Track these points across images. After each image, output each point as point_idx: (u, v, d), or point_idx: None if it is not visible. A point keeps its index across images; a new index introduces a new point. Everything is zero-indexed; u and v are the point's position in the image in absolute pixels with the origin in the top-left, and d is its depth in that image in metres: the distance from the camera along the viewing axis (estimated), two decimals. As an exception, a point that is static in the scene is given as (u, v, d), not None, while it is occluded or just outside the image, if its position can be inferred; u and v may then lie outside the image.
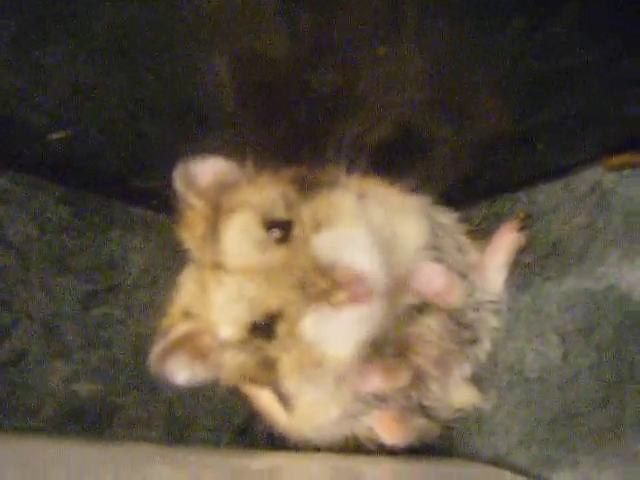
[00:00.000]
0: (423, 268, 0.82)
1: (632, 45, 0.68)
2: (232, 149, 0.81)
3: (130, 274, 1.04)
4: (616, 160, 0.86)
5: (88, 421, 0.97)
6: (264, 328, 0.68)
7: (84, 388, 0.97)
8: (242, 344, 0.70)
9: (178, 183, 0.78)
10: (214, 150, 0.79)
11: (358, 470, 0.79)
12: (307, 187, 0.75)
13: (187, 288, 0.78)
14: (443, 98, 0.79)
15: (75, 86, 0.76)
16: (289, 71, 0.73)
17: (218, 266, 0.70)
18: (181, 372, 0.75)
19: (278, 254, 0.67)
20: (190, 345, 0.74)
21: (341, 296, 0.62)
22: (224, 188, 0.79)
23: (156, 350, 0.73)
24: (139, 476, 0.62)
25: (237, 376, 0.76)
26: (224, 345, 0.71)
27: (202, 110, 0.80)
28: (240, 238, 0.69)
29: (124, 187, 1.00)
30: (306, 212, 0.70)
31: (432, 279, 0.82)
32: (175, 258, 1.00)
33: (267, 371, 0.70)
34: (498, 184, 1.01)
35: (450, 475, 0.87)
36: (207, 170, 0.79)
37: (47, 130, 0.84)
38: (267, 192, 0.75)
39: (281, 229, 0.69)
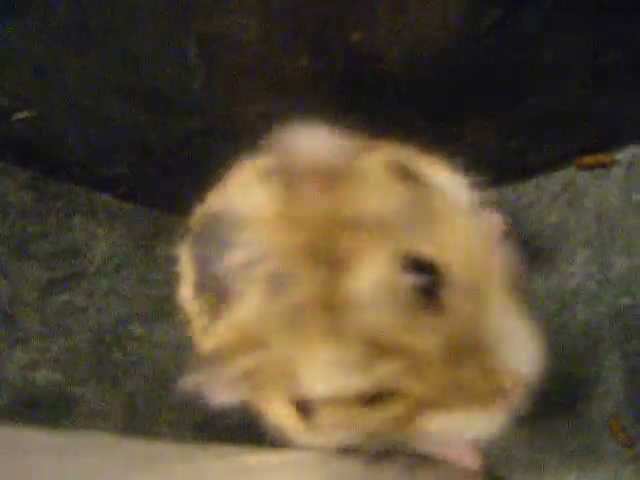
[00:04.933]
0: None
1: (607, 42, 0.68)
2: (199, 135, 0.80)
3: (92, 262, 1.02)
4: (588, 160, 0.86)
5: (45, 411, 0.95)
6: (369, 400, 0.50)
7: (42, 377, 0.95)
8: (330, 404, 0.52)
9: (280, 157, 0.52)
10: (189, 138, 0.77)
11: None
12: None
13: (253, 301, 0.52)
14: (416, 89, 0.78)
15: (38, 65, 0.74)
16: (261, 55, 0.72)
17: (332, 309, 0.48)
18: (224, 397, 0.54)
19: (425, 327, 0.47)
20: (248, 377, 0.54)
21: (501, 404, 0.49)
22: (331, 180, 0.52)
23: (202, 379, 0.52)
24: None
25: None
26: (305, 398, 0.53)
27: (170, 94, 0.79)
28: (375, 297, 0.47)
29: (89, 173, 0.98)
30: (450, 253, 0.50)
31: None
32: (139, 247, 0.99)
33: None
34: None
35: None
36: (314, 150, 0.51)
37: (10, 112, 0.82)
38: (398, 199, 0.52)
39: (425, 275, 0.48)
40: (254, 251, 0.51)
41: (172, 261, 1.00)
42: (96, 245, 1.03)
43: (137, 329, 1.00)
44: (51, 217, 0.99)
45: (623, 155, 0.85)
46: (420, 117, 0.82)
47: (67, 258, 1.00)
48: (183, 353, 0.99)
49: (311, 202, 0.50)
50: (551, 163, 0.91)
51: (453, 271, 0.48)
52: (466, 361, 0.47)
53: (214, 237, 0.57)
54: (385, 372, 0.47)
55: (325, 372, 0.49)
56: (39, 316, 0.96)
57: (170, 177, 0.92)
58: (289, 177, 0.51)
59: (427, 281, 0.47)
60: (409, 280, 0.47)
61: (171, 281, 0.99)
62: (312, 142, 0.51)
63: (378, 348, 0.47)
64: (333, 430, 0.58)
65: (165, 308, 0.99)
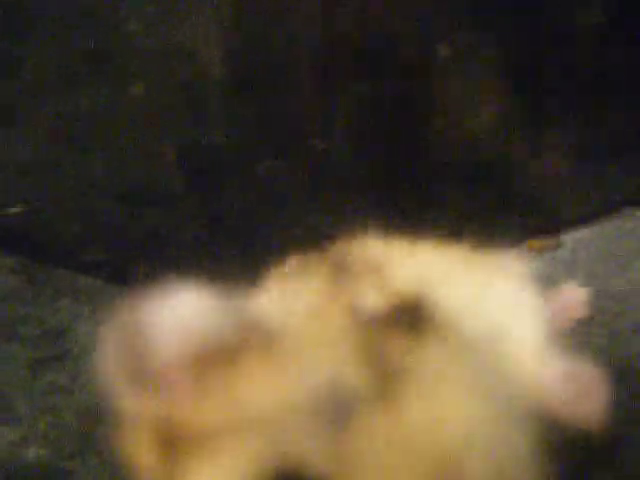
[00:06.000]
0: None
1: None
2: (183, 234, 0.84)
3: (77, 342, 1.05)
4: (536, 243, 0.91)
5: (35, 486, 0.97)
6: None
7: (32, 453, 0.98)
8: None
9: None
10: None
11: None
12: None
13: None
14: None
15: (25, 167, 0.79)
16: (232, 158, 0.78)
17: None
18: None
19: None
20: None
21: None
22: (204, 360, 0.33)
23: None
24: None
25: None
26: None
27: (150, 190, 0.84)
28: None
29: (73, 259, 1.02)
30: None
31: None
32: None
33: None
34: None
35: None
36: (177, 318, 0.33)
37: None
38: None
39: None
40: None
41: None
42: (80, 326, 1.07)
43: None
44: (38, 300, 1.03)
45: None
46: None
47: (53, 339, 1.03)
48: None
49: None
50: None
51: None
52: None
53: None
54: None
55: None
56: (27, 395, 0.99)
57: (147, 262, 0.97)
58: None
59: None
60: None
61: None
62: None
63: None
64: None
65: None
